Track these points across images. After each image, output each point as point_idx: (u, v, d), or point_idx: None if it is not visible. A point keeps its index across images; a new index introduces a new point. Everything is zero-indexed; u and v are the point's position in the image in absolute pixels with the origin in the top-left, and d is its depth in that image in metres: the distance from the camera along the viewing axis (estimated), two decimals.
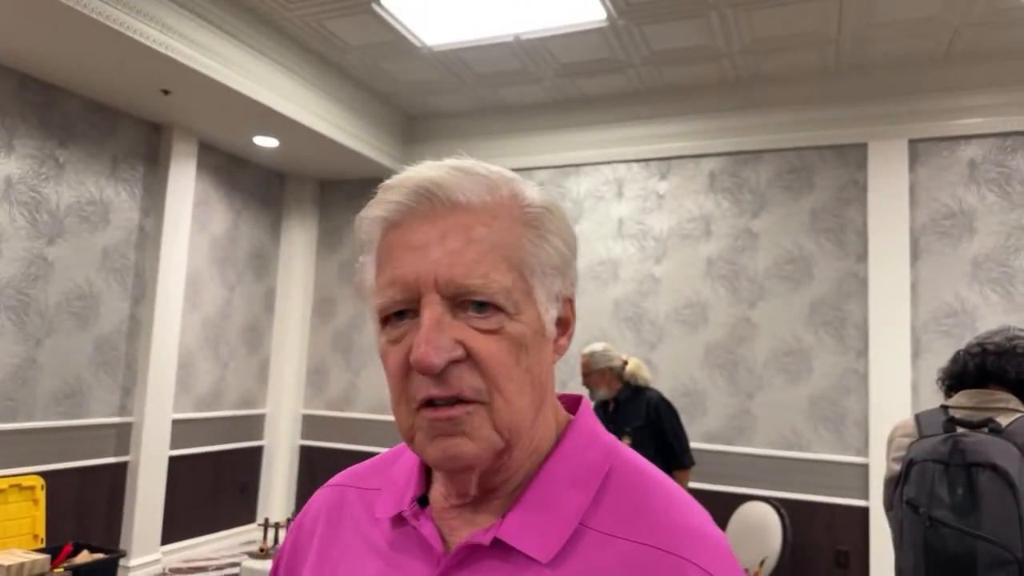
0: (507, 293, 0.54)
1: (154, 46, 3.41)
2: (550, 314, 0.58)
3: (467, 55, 4.24)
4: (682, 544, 0.54)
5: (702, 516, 0.58)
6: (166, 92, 3.99)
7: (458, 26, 3.87)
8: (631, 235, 4.77)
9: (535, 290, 0.56)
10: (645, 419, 3.23)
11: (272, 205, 5.59)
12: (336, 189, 5.76)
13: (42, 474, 3.81)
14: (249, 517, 5.29)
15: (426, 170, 0.57)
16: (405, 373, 0.55)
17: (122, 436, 4.31)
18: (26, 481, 3.71)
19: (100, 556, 3.71)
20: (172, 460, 4.57)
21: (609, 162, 4.88)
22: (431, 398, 0.54)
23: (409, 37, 4.01)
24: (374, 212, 0.58)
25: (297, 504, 5.41)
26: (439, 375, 0.53)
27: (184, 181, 4.64)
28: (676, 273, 4.63)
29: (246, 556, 3.61)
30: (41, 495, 3.75)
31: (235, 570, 4.40)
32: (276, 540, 3.58)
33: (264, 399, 5.50)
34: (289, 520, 3.87)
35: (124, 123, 4.34)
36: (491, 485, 0.58)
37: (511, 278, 0.55)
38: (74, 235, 4.06)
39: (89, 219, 4.14)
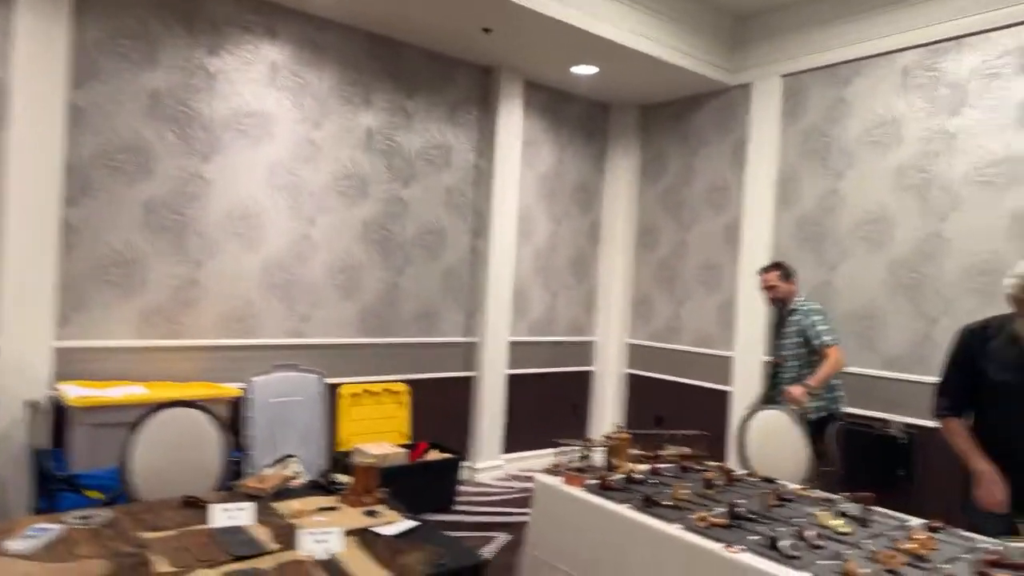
0: None
1: None
2: None
3: None
4: None
5: None
6: (487, 30, 4.19)
7: None
8: None
9: None
10: None
11: (596, 137, 5.58)
12: (657, 113, 5.49)
13: (407, 382, 4.48)
14: (580, 436, 5.51)
15: None
16: None
17: (468, 354, 4.84)
18: (394, 387, 4.41)
19: (447, 456, 4.23)
20: (510, 378, 4.98)
21: (1007, 26, 3.66)
22: None
23: None
24: None
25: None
26: None
27: (513, 121, 4.89)
28: None
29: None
30: (407, 400, 4.42)
31: None
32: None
33: (592, 327, 5.64)
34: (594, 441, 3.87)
35: (459, 70, 4.72)
36: None
37: None
38: (424, 177, 4.59)
39: (434, 162, 4.63)
